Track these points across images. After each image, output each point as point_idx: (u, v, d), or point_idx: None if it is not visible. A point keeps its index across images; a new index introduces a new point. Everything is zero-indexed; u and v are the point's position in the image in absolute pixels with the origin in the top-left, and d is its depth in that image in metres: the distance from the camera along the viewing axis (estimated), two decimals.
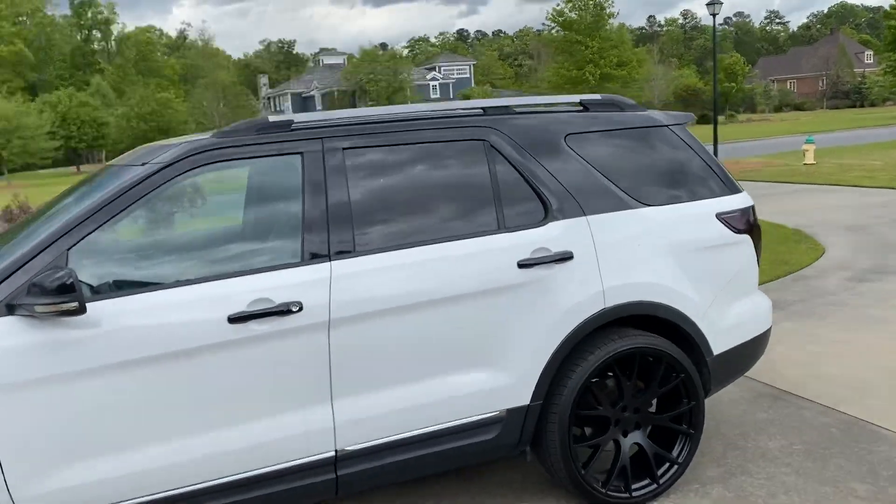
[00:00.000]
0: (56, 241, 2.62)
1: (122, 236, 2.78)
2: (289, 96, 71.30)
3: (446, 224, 3.13)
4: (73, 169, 55.03)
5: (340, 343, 2.86)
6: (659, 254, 3.38)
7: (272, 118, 3.04)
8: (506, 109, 3.42)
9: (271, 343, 2.77)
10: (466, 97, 61.31)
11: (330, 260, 2.90)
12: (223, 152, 2.90)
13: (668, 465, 3.45)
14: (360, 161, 3.07)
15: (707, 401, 4.48)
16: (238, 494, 2.79)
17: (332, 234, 2.93)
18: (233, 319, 2.70)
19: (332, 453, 2.89)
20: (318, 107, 65.26)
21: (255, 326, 2.74)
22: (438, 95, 70.02)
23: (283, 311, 2.76)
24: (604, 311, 3.24)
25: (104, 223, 2.69)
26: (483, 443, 3.14)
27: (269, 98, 78.00)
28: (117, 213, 2.72)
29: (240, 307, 2.72)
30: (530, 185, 3.26)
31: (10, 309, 2.49)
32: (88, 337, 2.54)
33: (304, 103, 69.33)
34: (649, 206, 3.42)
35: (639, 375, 3.41)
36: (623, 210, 3.36)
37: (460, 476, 3.76)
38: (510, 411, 3.15)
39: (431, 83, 71.08)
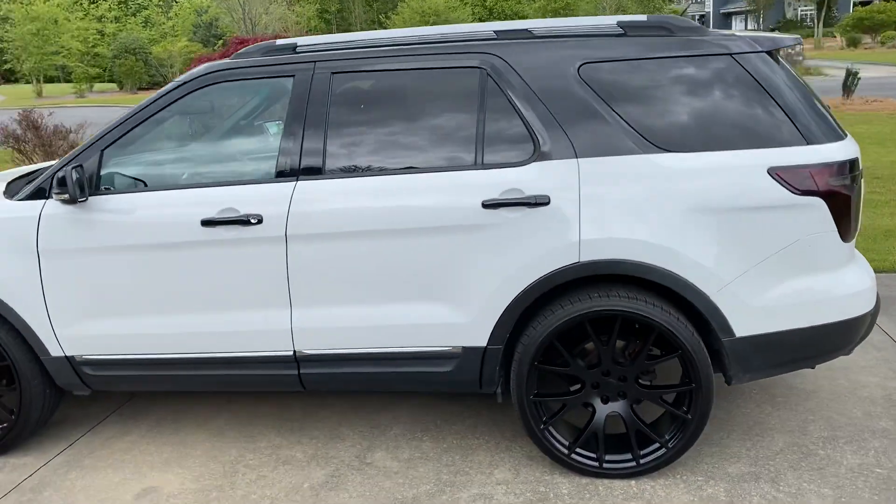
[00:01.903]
0: (97, 141, 3.30)
1: (139, 142, 3.35)
2: None
3: (420, 156, 3.09)
4: None
5: (298, 257, 3.11)
6: (666, 209, 2.88)
7: (279, 42, 3.29)
8: (523, 33, 3.13)
9: (236, 248, 3.15)
10: None
11: (297, 180, 3.13)
12: (231, 73, 3.26)
13: (656, 446, 3.06)
14: (345, 86, 3.16)
15: (835, 389, 3.74)
16: (216, 369, 3.31)
17: (304, 155, 3.13)
18: (204, 223, 3.14)
19: (291, 352, 3.22)
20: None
21: (222, 232, 3.14)
22: None
23: (244, 221, 3.10)
24: (577, 266, 2.92)
25: (131, 129, 3.30)
26: (439, 374, 3.16)
27: None
28: (142, 122, 3.30)
29: (211, 213, 3.14)
30: (523, 121, 3.02)
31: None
32: (97, 221, 3.21)
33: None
34: (668, 151, 2.91)
35: (635, 342, 3.05)
36: (629, 154, 2.92)
37: (467, 404, 3.78)
38: (466, 349, 3.10)
39: None
